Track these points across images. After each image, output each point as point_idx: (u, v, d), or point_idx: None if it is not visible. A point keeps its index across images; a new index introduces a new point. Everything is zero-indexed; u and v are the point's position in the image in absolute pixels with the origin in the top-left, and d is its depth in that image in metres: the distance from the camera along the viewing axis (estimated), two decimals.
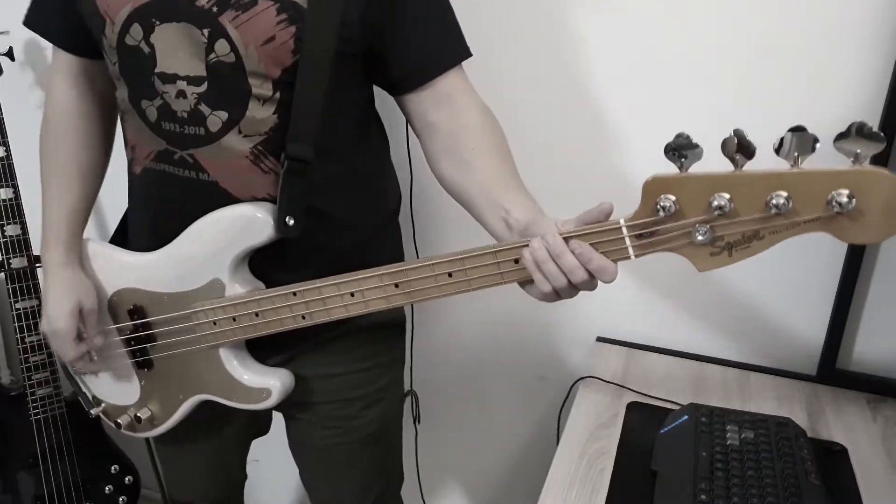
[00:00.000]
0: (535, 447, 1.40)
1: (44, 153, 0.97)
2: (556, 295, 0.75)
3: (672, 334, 1.22)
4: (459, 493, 1.55)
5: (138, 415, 1.01)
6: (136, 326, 0.96)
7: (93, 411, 1.06)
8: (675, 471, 0.88)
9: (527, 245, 0.74)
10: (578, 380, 1.16)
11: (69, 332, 0.95)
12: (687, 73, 1.06)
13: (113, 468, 1.53)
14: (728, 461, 0.88)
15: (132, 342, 0.98)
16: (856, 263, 1.06)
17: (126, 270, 0.96)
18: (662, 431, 0.97)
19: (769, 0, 1.00)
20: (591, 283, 0.73)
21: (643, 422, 1.02)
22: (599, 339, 1.27)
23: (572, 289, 0.74)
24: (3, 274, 1.37)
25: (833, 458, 0.95)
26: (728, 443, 0.91)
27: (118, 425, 1.03)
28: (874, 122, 0.98)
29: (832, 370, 1.12)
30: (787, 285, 1.12)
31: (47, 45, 0.96)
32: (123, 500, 1.54)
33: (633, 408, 1.07)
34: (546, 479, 0.93)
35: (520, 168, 0.86)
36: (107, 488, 1.52)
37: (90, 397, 1.07)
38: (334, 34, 0.79)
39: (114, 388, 1.04)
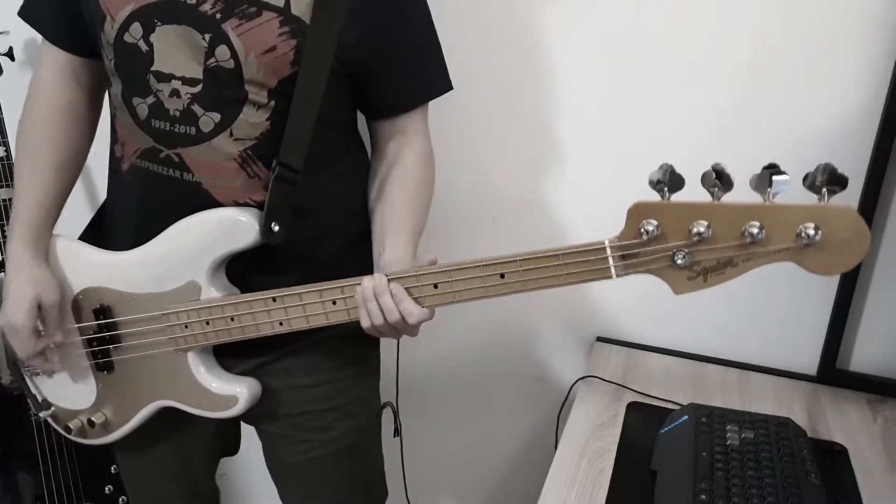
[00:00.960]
0: (536, 448, 1.40)
1: (20, 144, 0.95)
2: (379, 332, 0.82)
3: (672, 334, 1.22)
4: (458, 496, 1.55)
5: (92, 419, 0.97)
6: (101, 327, 0.94)
7: (41, 414, 1.01)
8: (675, 471, 0.88)
9: (360, 284, 0.81)
10: (578, 380, 1.16)
11: (26, 327, 0.90)
12: (686, 73, 1.06)
13: (113, 468, 1.53)
14: (728, 461, 0.88)
15: (94, 343, 0.95)
16: None
17: (96, 269, 0.93)
18: (662, 431, 0.97)
19: (769, 0, 1.00)
20: (404, 325, 0.80)
21: (643, 422, 1.02)
22: (599, 339, 1.27)
23: (390, 328, 0.81)
24: (3, 274, 1.37)
25: (833, 458, 0.95)
26: (728, 443, 0.91)
27: (68, 430, 0.99)
28: (874, 122, 0.99)
29: (832, 370, 1.12)
30: (788, 285, 1.12)
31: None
32: (123, 500, 1.54)
33: (633, 408, 1.07)
34: (546, 479, 0.93)
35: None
36: (107, 488, 1.52)
37: (39, 399, 1.03)
38: (332, 52, 0.83)
39: (68, 391, 1.00)
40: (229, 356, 0.94)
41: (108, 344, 0.95)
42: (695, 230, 0.68)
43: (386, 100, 0.93)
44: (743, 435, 0.92)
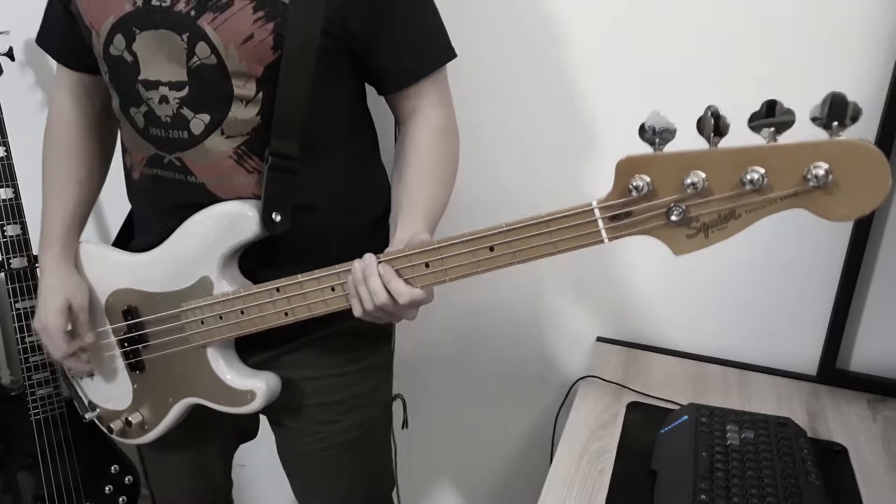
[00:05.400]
0: (536, 448, 1.40)
1: (45, 164, 1.00)
2: (373, 317, 0.80)
3: (672, 334, 1.22)
4: (456, 495, 1.55)
5: (129, 419, 1.00)
6: (130, 327, 0.96)
7: (87, 416, 1.05)
8: (675, 471, 0.88)
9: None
10: (578, 380, 1.16)
11: (58, 328, 0.96)
12: (685, 73, 1.06)
13: (113, 468, 1.53)
14: (728, 461, 0.88)
15: (126, 343, 0.98)
16: (856, 263, 1.06)
17: (121, 271, 0.96)
18: (662, 431, 0.97)
19: (769, 1, 1.00)
20: (393, 306, 0.77)
21: (643, 422, 1.02)
22: (599, 339, 1.27)
23: (383, 312, 0.79)
24: (3, 274, 1.37)
25: (833, 458, 0.95)
26: (728, 443, 0.91)
27: (110, 430, 1.03)
28: (874, 123, 0.98)
29: (832, 370, 1.12)
30: (787, 285, 1.12)
31: None
32: (123, 500, 1.54)
33: (633, 408, 1.07)
34: (546, 479, 0.93)
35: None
36: (107, 488, 1.52)
37: (86, 402, 1.07)
38: (317, 29, 0.80)
39: (108, 392, 1.03)
40: (245, 349, 0.96)
41: (137, 343, 0.97)
42: (688, 181, 0.62)
43: (388, 74, 0.89)
44: (743, 435, 0.92)
